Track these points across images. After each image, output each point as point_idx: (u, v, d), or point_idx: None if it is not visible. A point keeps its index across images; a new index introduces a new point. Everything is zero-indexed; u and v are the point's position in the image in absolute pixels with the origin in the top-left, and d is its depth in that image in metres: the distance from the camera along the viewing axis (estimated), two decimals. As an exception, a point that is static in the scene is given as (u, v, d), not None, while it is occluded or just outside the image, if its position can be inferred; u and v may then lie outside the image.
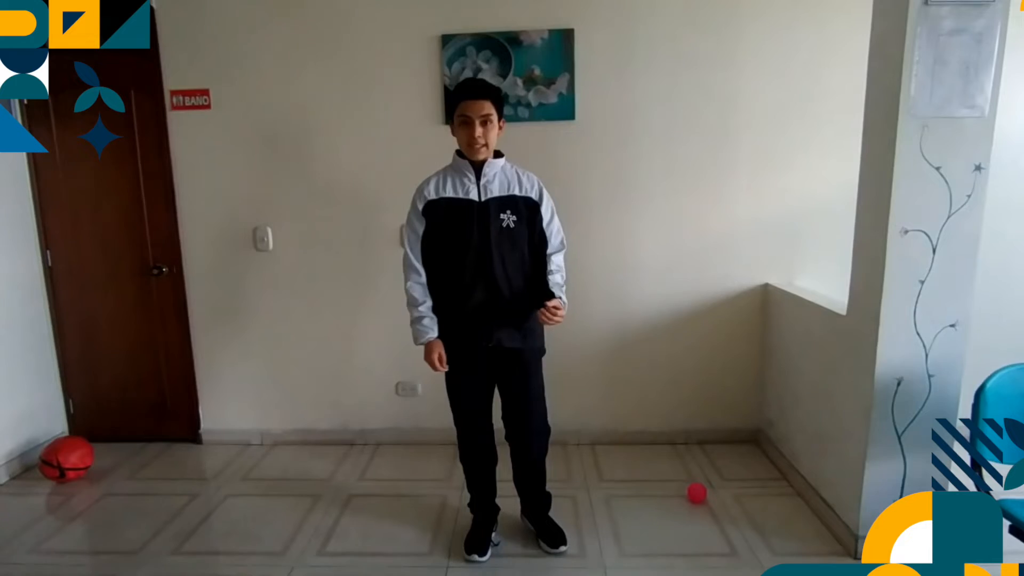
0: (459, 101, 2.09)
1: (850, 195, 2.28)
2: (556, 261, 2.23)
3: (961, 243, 2.04)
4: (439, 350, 2.18)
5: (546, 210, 2.21)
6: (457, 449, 2.39)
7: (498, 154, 2.19)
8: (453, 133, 2.16)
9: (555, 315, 2.11)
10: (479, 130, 2.07)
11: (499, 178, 2.17)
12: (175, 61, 3.07)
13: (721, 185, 3.04)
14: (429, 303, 2.20)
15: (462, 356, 2.21)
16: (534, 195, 2.19)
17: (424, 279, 2.20)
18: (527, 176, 2.21)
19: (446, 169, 2.21)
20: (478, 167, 2.14)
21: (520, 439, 2.32)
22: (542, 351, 2.32)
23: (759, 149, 3.00)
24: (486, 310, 2.16)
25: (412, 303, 2.20)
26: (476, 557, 2.24)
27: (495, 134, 2.12)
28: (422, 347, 2.21)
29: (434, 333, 2.18)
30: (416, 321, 2.20)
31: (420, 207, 2.18)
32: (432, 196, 2.16)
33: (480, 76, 2.95)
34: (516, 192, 2.17)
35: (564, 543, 2.32)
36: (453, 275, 2.18)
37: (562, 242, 2.26)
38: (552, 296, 2.14)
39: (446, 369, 2.20)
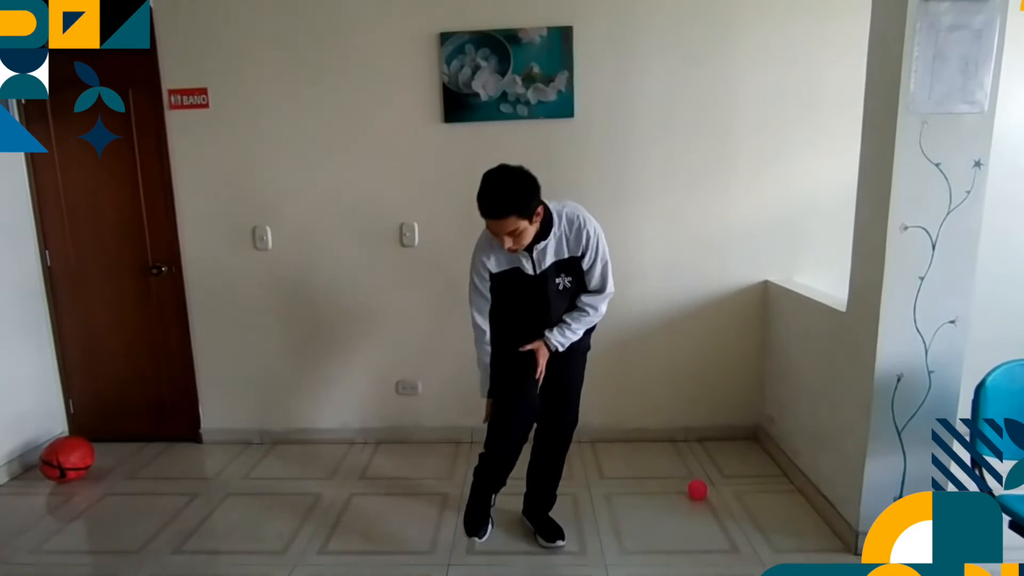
0: (482, 215, 1.98)
1: (850, 192, 2.28)
2: (586, 300, 2.19)
3: (961, 239, 2.04)
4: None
5: (588, 259, 2.13)
6: (489, 407, 2.30)
7: (547, 220, 2.06)
8: None
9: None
10: (509, 242, 1.99)
11: (551, 247, 2.10)
12: (173, 60, 3.06)
13: (721, 182, 3.04)
14: (488, 359, 2.25)
15: (523, 358, 2.21)
16: (580, 252, 2.12)
17: (488, 337, 2.23)
18: (576, 231, 2.10)
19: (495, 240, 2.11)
20: (530, 244, 2.07)
21: (550, 431, 2.35)
22: (587, 349, 2.34)
23: (758, 146, 3.00)
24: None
25: (479, 363, 2.27)
26: (477, 540, 2.25)
27: (531, 233, 2.01)
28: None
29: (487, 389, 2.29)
30: (481, 381, 2.29)
31: (485, 275, 2.16)
32: (495, 269, 2.14)
33: (480, 73, 2.95)
34: (565, 255, 2.11)
35: (562, 538, 2.34)
36: (513, 322, 2.22)
37: (603, 286, 2.18)
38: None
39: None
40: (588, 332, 2.30)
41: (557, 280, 2.14)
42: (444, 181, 3.06)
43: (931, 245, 2.04)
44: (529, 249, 2.08)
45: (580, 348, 2.29)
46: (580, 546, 2.35)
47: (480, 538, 2.25)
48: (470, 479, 2.40)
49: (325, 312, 3.24)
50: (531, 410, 2.26)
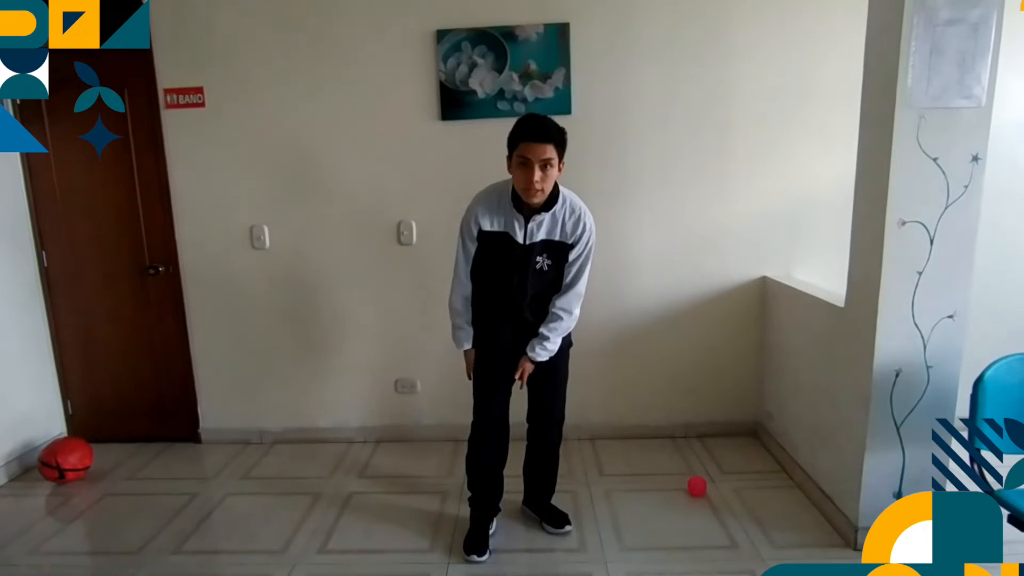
0: (520, 141, 1.99)
1: (848, 187, 2.28)
2: (559, 304, 2.19)
3: (959, 234, 2.04)
4: (472, 360, 2.31)
5: (575, 252, 2.15)
6: (466, 445, 2.38)
7: (554, 194, 2.08)
8: (509, 170, 2.06)
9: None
10: (538, 174, 1.97)
11: (547, 223, 2.11)
12: (169, 59, 3.04)
13: (718, 178, 3.04)
14: (469, 315, 2.27)
15: (492, 355, 2.27)
16: (571, 240, 2.13)
17: (469, 291, 2.24)
18: (575, 220, 2.12)
19: (500, 197, 2.13)
20: (528, 212, 2.09)
21: (541, 427, 2.38)
22: (569, 345, 2.35)
23: (756, 142, 3.00)
24: (517, 335, 2.23)
25: (452, 313, 2.28)
26: (475, 558, 2.24)
27: (554, 177, 2.03)
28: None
29: (469, 343, 2.28)
30: (454, 329, 2.30)
31: (475, 232, 2.15)
32: (487, 228, 2.13)
33: (477, 70, 2.95)
34: (556, 237, 2.12)
35: (568, 523, 2.40)
36: (490, 299, 2.24)
37: (575, 283, 2.18)
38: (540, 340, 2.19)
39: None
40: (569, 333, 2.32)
41: (538, 259, 2.14)
42: (442, 179, 3.06)
43: (929, 240, 2.04)
44: (528, 216, 2.09)
45: (562, 351, 2.28)
46: (580, 543, 2.35)
47: (480, 557, 2.25)
48: (470, 478, 2.41)
49: (323, 311, 3.23)
50: (504, 430, 2.35)
